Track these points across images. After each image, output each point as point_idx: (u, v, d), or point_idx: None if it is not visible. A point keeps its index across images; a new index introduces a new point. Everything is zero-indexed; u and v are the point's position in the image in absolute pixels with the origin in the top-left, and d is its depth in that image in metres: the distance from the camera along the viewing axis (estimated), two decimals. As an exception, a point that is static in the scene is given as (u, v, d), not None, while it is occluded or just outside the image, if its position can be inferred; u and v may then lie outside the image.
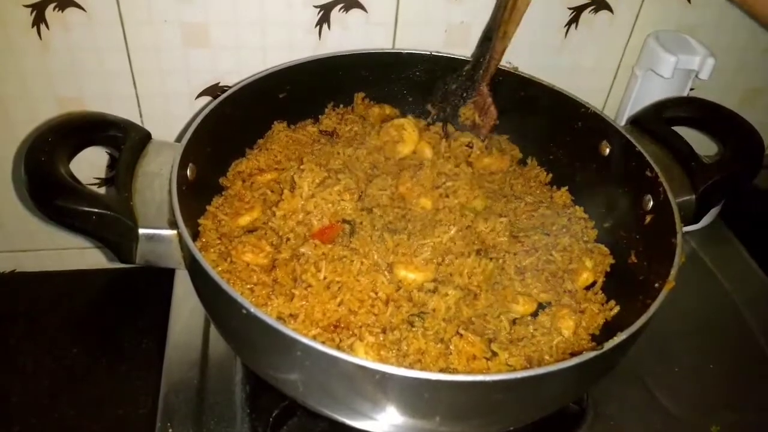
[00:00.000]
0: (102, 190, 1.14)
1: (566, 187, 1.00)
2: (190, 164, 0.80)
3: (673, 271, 0.72)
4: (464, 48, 1.08)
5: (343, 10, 1.01)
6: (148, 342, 0.86)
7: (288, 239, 0.83)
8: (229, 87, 0.93)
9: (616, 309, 0.84)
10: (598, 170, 0.95)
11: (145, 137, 0.79)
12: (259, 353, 0.68)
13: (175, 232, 0.71)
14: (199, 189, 0.84)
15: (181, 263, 0.74)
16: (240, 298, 0.62)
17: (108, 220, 0.67)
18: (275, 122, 0.99)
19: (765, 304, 1.04)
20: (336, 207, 0.83)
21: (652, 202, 0.85)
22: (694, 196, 0.83)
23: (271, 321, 0.60)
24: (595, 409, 0.87)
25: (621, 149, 0.91)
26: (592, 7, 1.06)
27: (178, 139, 0.95)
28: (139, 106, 1.05)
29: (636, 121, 0.93)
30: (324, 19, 1.01)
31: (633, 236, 0.88)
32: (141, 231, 0.70)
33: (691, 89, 1.11)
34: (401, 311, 0.77)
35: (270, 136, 0.99)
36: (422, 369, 0.73)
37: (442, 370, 0.73)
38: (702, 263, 1.11)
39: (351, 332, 0.74)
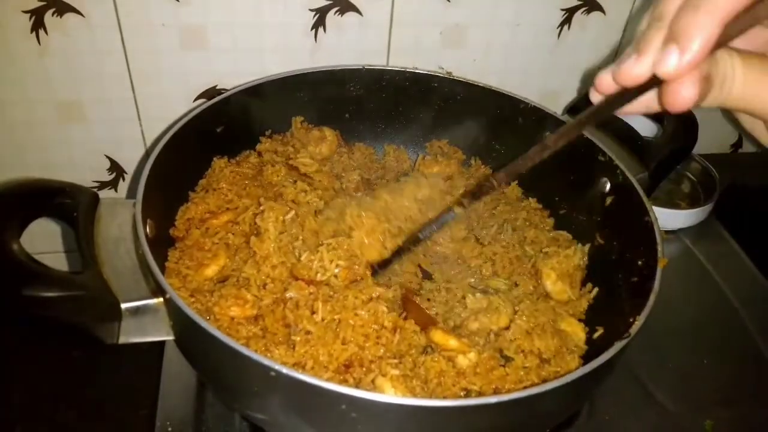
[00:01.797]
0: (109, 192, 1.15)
1: (516, 181, 1.02)
2: (149, 220, 0.72)
3: (660, 248, 0.75)
4: (461, 49, 1.08)
5: (338, 13, 1.00)
6: (147, 343, 0.83)
7: (266, 285, 0.77)
8: (227, 89, 0.93)
9: (596, 290, 0.87)
10: (545, 161, 0.98)
11: (94, 199, 0.70)
12: (291, 415, 0.62)
13: (160, 299, 0.64)
14: (153, 245, 0.75)
15: (168, 332, 0.66)
16: (266, 360, 0.57)
17: (86, 303, 0.59)
18: (215, 158, 0.92)
19: (758, 301, 1.05)
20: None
21: (609, 184, 0.89)
22: (647, 173, 0.88)
23: (313, 379, 0.55)
24: (591, 405, 0.88)
25: (567, 138, 0.94)
26: (585, 8, 1.08)
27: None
28: (137, 108, 1.06)
29: (574, 109, 0.97)
30: (320, 22, 1.01)
31: (594, 219, 0.91)
32: (124, 306, 0.62)
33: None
34: (407, 337, 0.75)
35: (212, 175, 0.91)
36: (444, 391, 0.71)
37: (464, 389, 0.72)
38: (696, 260, 1.11)
39: (364, 368, 0.71)
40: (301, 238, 0.79)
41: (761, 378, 0.95)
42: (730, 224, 1.17)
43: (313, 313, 0.73)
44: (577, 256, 0.87)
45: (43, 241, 1.15)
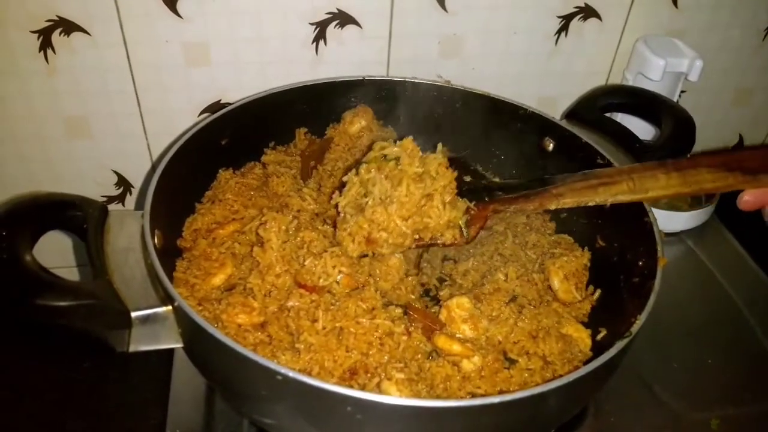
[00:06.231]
0: (117, 206, 1.17)
1: (518, 187, 1.03)
2: (156, 231, 0.74)
3: (659, 248, 0.76)
4: (459, 58, 1.10)
5: (338, 26, 1.03)
6: (156, 352, 0.85)
7: (270, 292, 0.79)
8: (231, 103, 0.96)
9: (598, 292, 0.88)
10: (545, 166, 0.99)
11: (103, 211, 0.72)
12: (298, 418, 0.63)
13: (169, 307, 0.65)
14: (161, 256, 0.77)
15: (178, 340, 0.67)
16: (272, 364, 0.58)
17: (97, 311, 0.60)
18: (220, 170, 0.94)
19: (762, 300, 1.05)
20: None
21: (608, 187, 0.90)
22: (645, 175, 0.89)
23: (318, 381, 0.56)
24: (596, 406, 0.88)
25: (566, 143, 0.95)
26: (581, 15, 1.09)
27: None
28: (143, 123, 1.08)
29: (572, 114, 0.98)
30: (320, 36, 1.03)
31: (595, 221, 0.92)
32: (134, 314, 0.63)
33: (683, 91, 1.16)
34: (413, 345, 0.75)
35: (218, 186, 0.93)
36: (449, 395, 0.72)
37: (470, 393, 0.73)
38: (698, 261, 1.12)
39: (369, 374, 0.71)
40: (305, 246, 0.80)
41: (766, 376, 0.95)
42: (732, 225, 1.18)
43: (314, 321, 0.74)
44: (585, 257, 0.89)
45: (56, 256, 1.17)
